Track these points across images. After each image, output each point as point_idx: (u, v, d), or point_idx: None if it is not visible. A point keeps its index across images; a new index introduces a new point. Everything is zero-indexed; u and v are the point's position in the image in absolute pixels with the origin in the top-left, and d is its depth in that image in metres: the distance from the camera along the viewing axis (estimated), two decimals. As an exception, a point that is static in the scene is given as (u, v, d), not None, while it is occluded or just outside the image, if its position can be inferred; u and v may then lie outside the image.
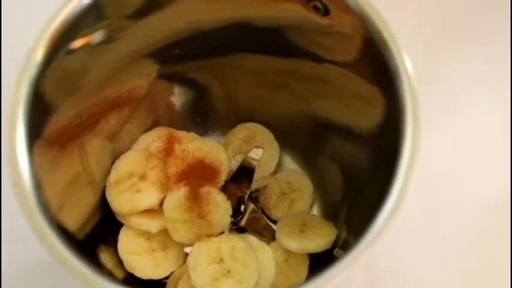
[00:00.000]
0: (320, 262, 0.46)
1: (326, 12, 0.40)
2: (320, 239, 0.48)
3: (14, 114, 0.36)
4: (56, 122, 0.39)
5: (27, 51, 0.36)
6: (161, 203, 0.47)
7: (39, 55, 0.36)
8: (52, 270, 0.51)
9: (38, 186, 0.36)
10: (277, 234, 0.49)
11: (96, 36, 0.40)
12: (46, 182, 0.37)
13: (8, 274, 0.52)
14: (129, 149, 0.51)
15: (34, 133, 0.37)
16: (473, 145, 0.57)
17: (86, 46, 0.39)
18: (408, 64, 0.36)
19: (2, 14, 0.59)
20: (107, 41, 0.41)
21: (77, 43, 0.38)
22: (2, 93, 0.55)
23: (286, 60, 0.47)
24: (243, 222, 0.51)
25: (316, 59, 0.44)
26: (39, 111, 0.37)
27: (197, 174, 0.48)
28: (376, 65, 0.38)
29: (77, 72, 0.41)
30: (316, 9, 0.40)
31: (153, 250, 0.48)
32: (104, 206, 0.48)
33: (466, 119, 0.58)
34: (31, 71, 0.36)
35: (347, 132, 0.47)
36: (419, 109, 0.36)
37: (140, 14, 0.41)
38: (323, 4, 0.39)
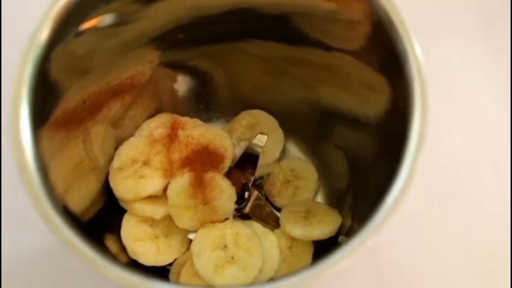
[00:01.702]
0: (324, 250, 0.45)
1: (333, -5, 0.39)
2: (324, 226, 0.47)
3: (18, 96, 0.36)
4: (63, 106, 0.39)
5: (31, 32, 0.36)
6: (165, 189, 0.47)
7: (43, 35, 0.36)
8: (52, 258, 0.51)
9: (44, 169, 0.36)
10: (281, 221, 0.49)
11: (104, 20, 0.40)
12: (52, 165, 0.37)
13: (8, 262, 0.51)
14: (132, 135, 0.51)
15: (41, 116, 0.37)
16: (478, 131, 0.57)
17: (93, 29, 0.39)
18: (417, 47, 0.36)
19: (2, 5, 0.59)
20: (114, 25, 0.41)
21: (85, 25, 0.38)
22: (2, 83, 0.54)
23: (292, 48, 0.47)
24: (247, 209, 0.50)
25: (323, 46, 0.44)
26: (45, 94, 0.37)
27: (201, 160, 0.48)
28: (384, 51, 0.38)
29: (85, 57, 0.40)
30: (322, -8, 0.40)
31: (157, 237, 0.47)
32: (107, 192, 0.47)
33: (469, 105, 0.58)
34: (36, 51, 0.36)
35: (353, 120, 0.46)
36: (427, 91, 0.35)
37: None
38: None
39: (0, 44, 0.56)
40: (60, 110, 0.39)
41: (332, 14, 0.40)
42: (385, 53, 0.38)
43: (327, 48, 0.44)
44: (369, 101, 0.43)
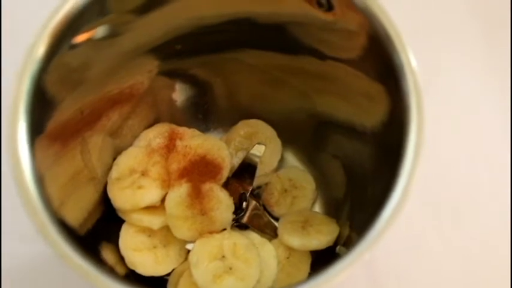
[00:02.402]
0: (322, 259, 0.46)
1: (330, 7, 0.39)
2: (322, 236, 0.47)
3: (16, 110, 0.36)
4: (58, 118, 0.39)
5: (28, 46, 0.36)
6: (163, 200, 0.47)
7: (40, 50, 0.36)
8: (52, 267, 0.51)
9: (40, 181, 0.36)
10: (279, 231, 0.49)
11: (99, 31, 0.40)
12: (48, 177, 0.37)
13: (7, 271, 0.51)
14: (130, 145, 0.51)
15: (36, 128, 0.37)
16: (475, 140, 0.57)
17: (88, 41, 0.39)
18: (413, 60, 0.36)
19: (2, 10, 0.59)
20: (109, 36, 0.41)
21: (80, 38, 0.38)
22: (2, 91, 0.54)
23: (289, 57, 0.47)
24: (245, 219, 0.50)
25: (320, 55, 0.44)
26: (40, 106, 0.37)
27: (199, 171, 0.48)
28: (380, 61, 0.38)
29: (79, 68, 0.40)
30: (319, 5, 0.40)
31: (155, 247, 0.47)
32: (105, 203, 0.47)
33: (467, 113, 0.58)
34: (33, 66, 0.36)
35: (350, 130, 0.46)
36: (423, 105, 0.36)
37: (143, 9, 0.41)
38: (326, -1, 0.39)
39: (0, 55, 0.57)
40: (56, 122, 0.39)
41: (328, 24, 0.41)
42: (381, 63, 0.38)
43: (324, 57, 0.44)
44: (366, 110, 0.43)
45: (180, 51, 0.48)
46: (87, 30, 0.39)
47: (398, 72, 0.36)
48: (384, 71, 0.38)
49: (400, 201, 0.35)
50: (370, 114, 0.43)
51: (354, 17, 0.38)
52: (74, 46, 0.38)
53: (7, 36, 0.58)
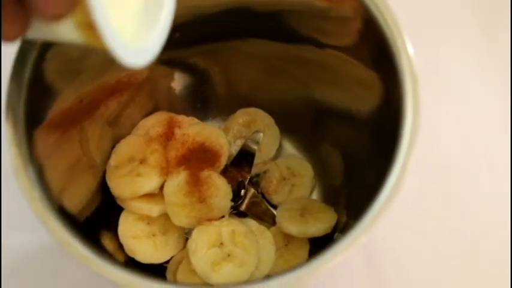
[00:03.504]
0: (320, 247, 0.46)
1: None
2: (320, 224, 0.48)
3: (16, 99, 0.36)
4: (58, 107, 0.40)
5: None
6: (161, 187, 0.47)
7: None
8: (52, 257, 0.51)
9: (40, 169, 0.36)
10: (277, 219, 0.49)
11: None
12: (48, 165, 0.38)
13: (8, 261, 0.52)
14: (129, 133, 0.51)
15: (35, 117, 0.37)
16: (473, 129, 0.57)
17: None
18: (408, 44, 0.36)
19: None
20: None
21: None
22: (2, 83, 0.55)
23: (286, 45, 0.47)
24: (243, 207, 0.51)
25: (317, 43, 0.45)
26: (40, 95, 0.37)
27: (197, 158, 0.48)
28: (376, 47, 0.38)
29: (79, 57, 0.41)
30: (316, -9, 0.40)
31: (154, 234, 0.48)
32: (104, 191, 0.48)
33: (465, 103, 0.59)
34: (32, 53, 0.36)
35: (347, 117, 0.47)
36: (419, 87, 0.36)
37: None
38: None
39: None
40: (55, 110, 0.39)
41: (324, 11, 0.41)
42: (377, 50, 0.38)
43: (320, 45, 0.45)
44: (362, 96, 0.44)
45: (179, 40, 0.48)
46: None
47: (394, 57, 0.37)
48: (380, 57, 0.38)
49: (395, 186, 0.35)
50: (366, 101, 0.43)
51: (349, 2, 0.38)
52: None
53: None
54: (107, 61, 0.43)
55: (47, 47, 0.37)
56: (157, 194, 0.47)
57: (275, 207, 0.52)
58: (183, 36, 0.47)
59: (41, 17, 0.26)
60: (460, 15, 0.62)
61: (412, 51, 0.36)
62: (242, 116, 0.54)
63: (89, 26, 0.26)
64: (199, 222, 0.47)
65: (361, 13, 0.38)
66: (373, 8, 0.37)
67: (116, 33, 0.27)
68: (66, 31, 0.28)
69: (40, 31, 0.28)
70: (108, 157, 0.49)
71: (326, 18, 0.41)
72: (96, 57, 0.43)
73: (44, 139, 0.38)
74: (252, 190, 0.51)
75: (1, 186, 0.53)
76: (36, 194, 0.35)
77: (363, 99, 0.44)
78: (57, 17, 0.26)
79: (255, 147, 0.52)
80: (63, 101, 0.40)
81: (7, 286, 0.51)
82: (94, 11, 0.25)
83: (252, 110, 0.54)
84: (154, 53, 0.31)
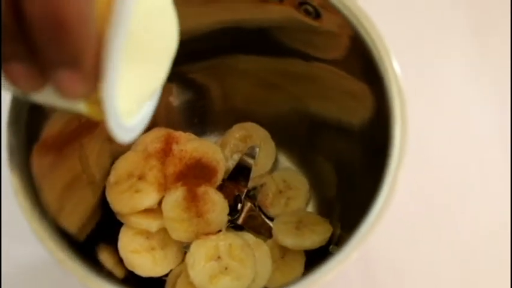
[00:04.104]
0: (316, 258, 0.47)
1: (317, 15, 0.40)
2: (315, 236, 0.49)
3: (13, 119, 0.37)
4: (53, 127, 0.40)
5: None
6: (160, 203, 0.48)
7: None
8: (53, 268, 0.52)
9: (38, 190, 0.37)
10: (273, 232, 0.50)
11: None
12: (45, 185, 0.38)
13: (8, 273, 0.52)
14: (128, 149, 0.52)
15: (32, 138, 0.38)
16: (466, 137, 0.58)
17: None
18: (395, 64, 0.37)
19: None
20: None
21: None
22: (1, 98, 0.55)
23: (276, 60, 0.48)
24: (240, 220, 0.52)
25: (307, 57, 0.46)
26: (36, 116, 0.38)
27: (194, 174, 0.49)
28: (363, 62, 0.39)
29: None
30: (307, 13, 0.41)
31: (153, 249, 0.49)
32: (103, 206, 0.49)
33: (459, 111, 0.59)
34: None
35: (340, 129, 0.48)
36: (407, 108, 0.37)
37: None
38: (314, 8, 0.40)
39: None
40: (52, 130, 0.40)
41: (313, 28, 0.42)
42: (365, 64, 0.39)
43: (309, 58, 0.46)
44: (353, 109, 0.45)
45: (176, 57, 0.49)
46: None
47: (381, 74, 0.38)
48: (368, 71, 0.39)
49: (386, 200, 0.36)
50: (357, 114, 0.44)
51: (336, 21, 0.39)
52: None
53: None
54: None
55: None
56: (156, 210, 0.48)
57: (272, 219, 0.52)
58: (180, 54, 0.48)
59: (57, 91, 0.27)
60: (451, 21, 0.62)
61: (399, 71, 0.37)
62: (238, 131, 0.54)
63: (96, 102, 0.28)
64: (197, 236, 0.48)
65: (347, 30, 0.39)
66: (358, 26, 0.38)
67: (118, 114, 0.29)
68: (72, 103, 0.29)
69: (44, 96, 0.29)
70: (107, 173, 0.50)
71: (314, 33, 0.42)
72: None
73: (40, 159, 0.39)
74: (249, 204, 0.52)
75: (1, 196, 0.53)
76: (34, 214, 0.36)
77: (354, 112, 0.44)
78: (75, 96, 0.27)
79: (251, 161, 0.52)
80: (58, 121, 0.41)
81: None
82: (107, 97, 0.27)
83: (248, 125, 0.55)
84: (138, 131, 0.33)
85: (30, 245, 0.50)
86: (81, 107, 0.29)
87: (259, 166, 0.54)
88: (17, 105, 0.37)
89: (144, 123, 0.34)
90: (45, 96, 0.28)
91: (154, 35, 0.31)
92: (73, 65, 0.25)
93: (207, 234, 0.48)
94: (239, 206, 0.51)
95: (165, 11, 0.31)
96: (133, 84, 0.29)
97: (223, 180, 0.51)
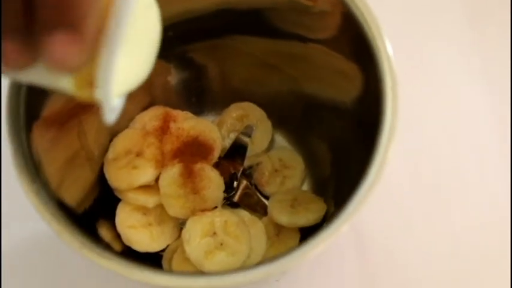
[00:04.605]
0: (311, 236, 0.47)
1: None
2: (310, 214, 0.49)
3: (14, 97, 0.38)
4: (54, 104, 0.41)
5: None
6: (157, 179, 0.49)
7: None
8: (52, 246, 0.53)
9: (38, 164, 0.38)
10: (269, 210, 0.51)
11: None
12: (46, 160, 0.39)
13: (8, 250, 0.53)
14: (126, 127, 0.53)
15: (33, 114, 0.39)
16: (457, 117, 0.59)
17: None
18: (388, 44, 0.38)
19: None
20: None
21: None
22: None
23: (271, 41, 0.49)
24: (236, 198, 0.53)
25: (300, 38, 0.46)
26: (36, 93, 0.39)
27: (191, 152, 0.50)
28: (355, 41, 0.40)
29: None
30: (302, -7, 0.41)
31: (150, 224, 0.50)
32: (102, 182, 0.50)
33: (451, 97, 0.60)
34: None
35: (333, 109, 0.48)
36: (398, 87, 0.37)
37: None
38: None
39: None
40: (52, 107, 0.41)
41: (304, 7, 0.42)
42: (357, 44, 0.40)
43: (303, 39, 0.46)
44: (345, 89, 0.45)
45: (173, 37, 0.49)
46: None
47: (374, 54, 0.38)
48: (360, 51, 0.40)
49: (375, 179, 0.36)
50: (349, 93, 0.45)
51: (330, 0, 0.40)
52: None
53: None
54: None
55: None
56: (153, 186, 0.49)
57: (267, 198, 0.53)
58: (176, 34, 0.49)
59: (48, 64, 0.26)
60: (447, 8, 0.63)
61: (391, 51, 0.38)
62: (235, 110, 0.55)
63: (88, 84, 0.28)
64: (193, 212, 0.49)
65: (340, 8, 0.39)
66: (351, 4, 0.39)
67: (111, 97, 0.29)
68: (62, 82, 0.28)
69: (32, 75, 0.28)
70: (105, 150, 0.50)
71: (306, 13, 0.43)
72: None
73: (41, 134, 0.40)
74: (245, 182, 0.53)
75: (1, 174, 0.54)
76: (34, 187, 0.37)
77: (346, 92, 0.45)
78: (67, 67, 0.26)
79: (247, 140, 0.53)
80: (59, 98, 0.42)
81: (7, 275, 0.52)
82: (105, 79, 0.27)
83: (245, 105, 0.55)
84: (117, 113, 0.32)
85: (30, 222, 0.52)
86: (69, 85, 0.29)
87: (256, 145, 0.54)
88: (17, 85, 0.38)
89: (121, 105, 0.33)
90: (34, 75, 0.28)
91: (143, 25, 0.31)
92: (72, 27, 0.25)
93: (203, 210, 0.49)
94: (235, 183, 0.52)
95: (151, 5, 0.32)
96: (123, 70, 0.29)
97: (219, 158, 0.52)
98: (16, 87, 0.38)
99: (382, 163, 0.37)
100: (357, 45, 0.40)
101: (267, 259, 0.36)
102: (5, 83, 0.38)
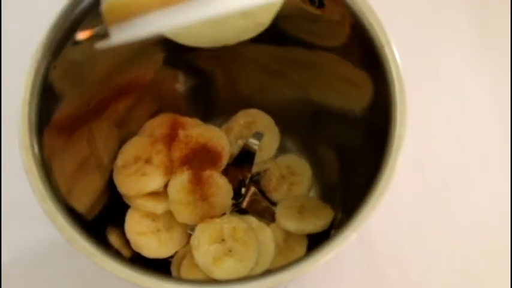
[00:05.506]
0: (318, 242, 0.48)
1: (320, 4, 0.41)
2: (317, 221, 0.50)
3: (24, 103, 0.38)
4: (64, 110, 0.42)
5: (36, 43, 0.38)
6: (166, 186, 0.50)
7: (46, 45, 0.38)
8: (57, 250, 0.53)
9: (49, 171, 0.38)
10: (276, 216, 0.51)
11: (101, 29, 0.42)
12: (56, 166, 0.40)
13: (9, 255, 0.54)
14: (135, 134, 0.53)
15: (44, 120, 0.39)
16: (464, 122, 0.59)
17: (91, 38, 0.41)
18: (395, 51, 0.38)
19: (2, 12, 0.61)
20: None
21: (82, 35, 0.40)
22: (2, 89, 0.56)
23: (280, 48, 0.49)
24: (244, 204, 0.53)
25: (309, 46, 0.46)
26: (47, 99, 0.39)
27: (200, 159, 0.50)
28: (364, 50, 0.40)
29: (83, 63, 0.43)
30: (311, 2, 0.42)
31: (159, 230, 0.50)
32: (111, 189, 0.50)
33: (456, 97, 0.60)
34: (39, 62, 0.38)
35: (342, 116, 0.49)
36: (406, 94, 0.38)
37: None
38: (318, -3, 0.41)
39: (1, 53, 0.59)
40: (63, 113, 0.41)
41: (313, 16, 0.43)
42: (366, 52, 0.40)
43: (312, 47, 0.46)
44: (354, 96, 0.46)
45: (181, 45, 0.50)
46: (89, 28, 0.41)
47: (382, 62, 0.38)
48: (368, 59, 0.40)
49: (384, 186, 0.37)
50: (358, 101, 0.45)
51: (339, 10, 0.40)
52: (76, 42, 0.40)
53: (8, 38, 0.60)
54: (115, 65, 0.46)
55: (54, 53, 0.39)
56: (162, 193, 0.50)
57: (275, 204, 0.53)
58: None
59: None
60: (452, 12, 0.63)
61: (399, 59, 0.38)
62: (243, 117, 0.55)
63: None
64: (202, 219, 0.49)
65: (349, 19, 0.40)
66: (359, 14, 0.39)
67: None
68: None
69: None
70: (115, 157, 0.51)
71: (315, 21, 0.43)
72: (103, 62, 0.45)
73: (52, 141, 0.40)
74: (253, 188, 0.54)
75: (1, 179, 0.54)
76: (45, 194, 0.37)
77: (355, 99, 0.45)
78: None
79: (255, 147, 0.53)
80: (70, 104, 0.42)
81: (7, 277, 0.53)
82: None
83: (253, 111, 0.56)
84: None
85: (34, 226, 0.52)
86: None
87: (263, 152, 0.55)
88: (31, 87, 0.38)
89: None
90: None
91: None
92: None
93: (212, 217, 0.49)
94: (243, 190, 0.52)
95: None
96: None
97: (227, 165, 0.52)
98: (29, 93, 0.38)
99: (392, 171, 0.37)
100: (365, 53, 0.40)
101: (277, 268, 0.36)
102: (16, 89, 0.38)
